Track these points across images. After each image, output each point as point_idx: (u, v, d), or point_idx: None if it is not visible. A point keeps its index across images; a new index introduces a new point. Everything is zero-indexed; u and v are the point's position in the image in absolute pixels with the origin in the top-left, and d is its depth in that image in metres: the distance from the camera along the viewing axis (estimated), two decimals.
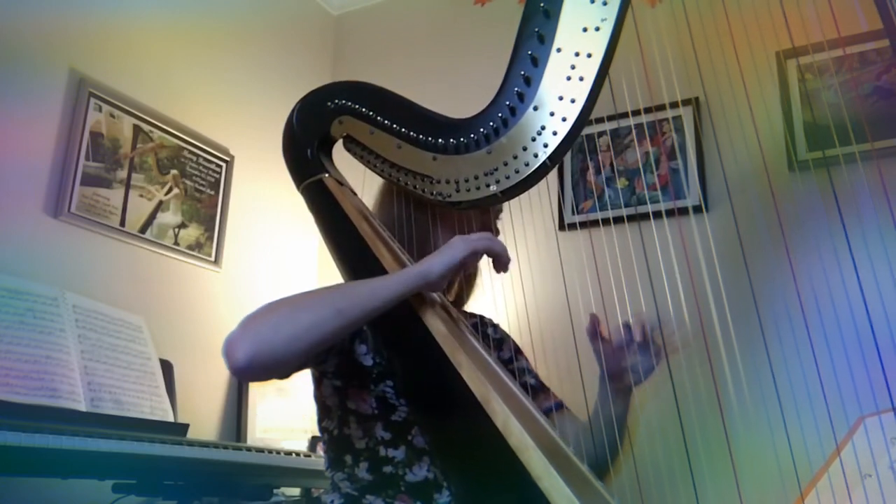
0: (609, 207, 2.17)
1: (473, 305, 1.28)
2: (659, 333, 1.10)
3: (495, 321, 1.32)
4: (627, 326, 1.10)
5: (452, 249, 0.98)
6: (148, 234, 2.14)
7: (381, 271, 1.02)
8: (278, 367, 0.92)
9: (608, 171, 2.22)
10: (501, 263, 1.02)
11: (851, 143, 1.74)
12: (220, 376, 2.28)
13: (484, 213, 1.19)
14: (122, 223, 2.07)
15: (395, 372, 1.03)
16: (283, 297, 0.98)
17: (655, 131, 2.18)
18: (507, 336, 1.30)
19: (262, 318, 0.92)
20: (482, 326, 1.26)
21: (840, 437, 1.00)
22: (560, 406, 1.22)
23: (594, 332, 1.11)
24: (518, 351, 1.28)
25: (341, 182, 1.17)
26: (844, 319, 1.27)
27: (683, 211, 2.03)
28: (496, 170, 1.01)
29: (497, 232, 1.22)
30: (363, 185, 1.20)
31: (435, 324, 0.98)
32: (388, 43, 2.83)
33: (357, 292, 0.96)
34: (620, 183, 2.21)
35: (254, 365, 0.88)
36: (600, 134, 2.25)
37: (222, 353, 0.90)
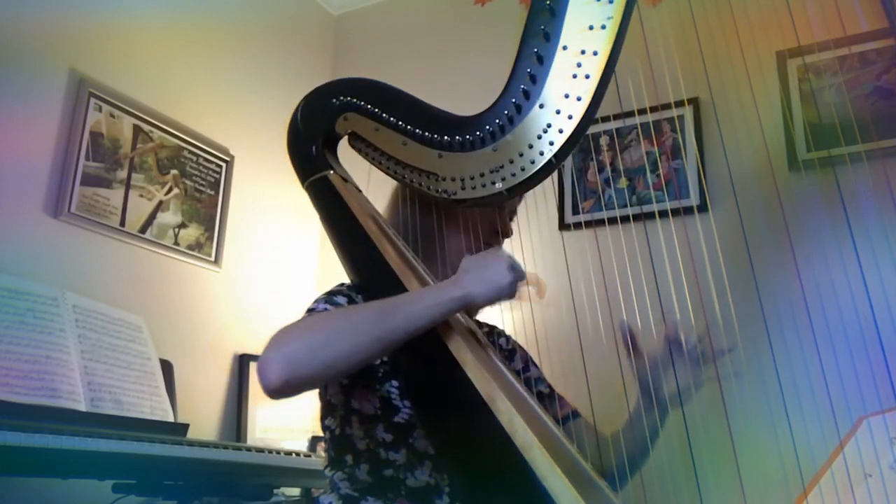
0: (609, 207, 2.18)
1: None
2: (707, 343, 1.04)
3: (507, 333, 1.31)
4: (676, 342, 1.04)
5: (500, 279, 0.95)
6: (148, 234, 2.14)
7: (387, 268, 1.02)
8: (310, 388, 0.93)
9: (609, 171, 2.23)
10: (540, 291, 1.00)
11: (852, 142, 1.75)
12: (220, 376, 2.28)
13: (492, 213, 1.17)
14: (122, 223, 2.07)
15: (400, 371, 1.03)
16: (317, 315, 0.98)
17: (657, 131, 2.19)
18: (518, 346, 1.29)
19: (297, 340, 0.91)
20: (492, 336, 1.26)
21: (842, 436, 1.00)
22: (576, 415, 1.20)
23: (631, 345, 1.06)
24: (529, 361, 1.27)
25: (346, 179, 1.17)
26: (847, 318, 1.28)
27: (684, 211, 2.03)
28: (502, 167, 1.00)
29: (510, 232, 1.21)
30: (368, 182, 1.20)
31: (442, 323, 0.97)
32: (388, 43, 2.83)
33: (395, 318, 0.93)
34: (621, 182, 2.21)
35: (288, 387, 0.88)
36: (602, 133, 2.25)
37: (257, 371, 0.90)
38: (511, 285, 0.96)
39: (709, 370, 1.04)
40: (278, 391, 0.88)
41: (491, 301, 0.96)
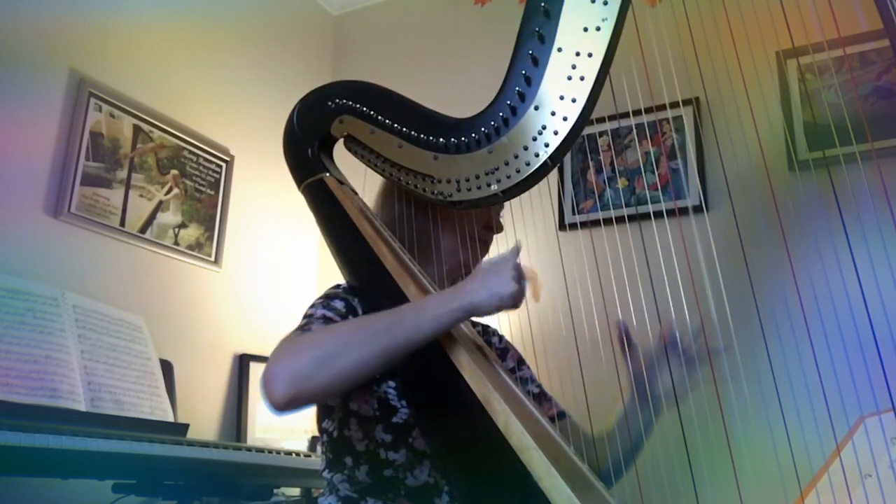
0: (609, 207, 2.18)
1: None
2: (701, 341, 1.06)
3: (500, 332, 1.31)
4: (672, 341, 1.06)
5: (504, 289, 0.92)
6: (148, 234, 2.14)
7: (383, 271, 1.02)
8: (316, 402, 0.94)
9: (608, 171, 2.23)
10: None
11: (851, 143, 1.74)
12: (220, 376, 2.28)
13: (484, 211, 1.18)
14: (122, 223, 2.07)
15: (397, 372, 1.03)
16: (321, 330, 0.97)
17: (656, 131, 2.18)
18: (511, 346, 1.30)
19: (303, 356, 0.90)
20: (485, 335, 1.26)
21: (840, 437, 0.99)
22: (563, 415, 1.21)
23: (625, 340, 1.08)
24: (521, 361, 1.28)
25: (342, 181, 1.17)
26: (845, 319, 1.27)
27: (683, 211, 2.03)
28: (497, 169, 1.01)
29: (500, 227, 1.21)
30: (364, 184, 1.20)
31: None
32: (388, 43, 2.83)
33: (401, 331, 0.92)
34: (621, 183, 2.21)
35: (294, 403, 0.88)
36: (601, 134, 2.25)
37: (260, 385, 0.90)
38: (513, 296, 0.93)
39: (704, 370, 1.05)
40: (284, 407, 0.88)
41: (494, 310, 0.95)
